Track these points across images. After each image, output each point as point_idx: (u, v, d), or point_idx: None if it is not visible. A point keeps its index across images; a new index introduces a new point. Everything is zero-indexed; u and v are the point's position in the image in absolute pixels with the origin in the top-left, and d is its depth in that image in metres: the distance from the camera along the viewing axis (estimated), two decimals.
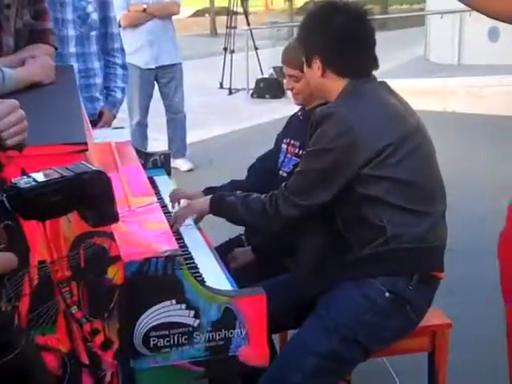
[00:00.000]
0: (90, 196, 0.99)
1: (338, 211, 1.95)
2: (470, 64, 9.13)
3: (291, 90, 2.36)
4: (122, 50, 3.26)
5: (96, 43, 3.07)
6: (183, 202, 2.36)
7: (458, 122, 7.19)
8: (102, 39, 3.12)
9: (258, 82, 9.42)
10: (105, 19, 3.10)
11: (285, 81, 2.42)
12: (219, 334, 1.60)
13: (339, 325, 1.88)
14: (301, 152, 2.29)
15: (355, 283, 1.93)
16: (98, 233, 1.46)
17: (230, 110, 8.70)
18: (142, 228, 1.72)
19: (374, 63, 2.05)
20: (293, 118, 2.51)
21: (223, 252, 2.23)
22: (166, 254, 1.54)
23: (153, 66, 5.51)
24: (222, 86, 9.98)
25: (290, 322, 2.16)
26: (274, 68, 9.43)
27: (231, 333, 1.60)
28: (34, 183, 0.95)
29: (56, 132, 1.53)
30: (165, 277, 1.53)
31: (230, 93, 9.73)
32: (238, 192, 2.14)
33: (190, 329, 1.57)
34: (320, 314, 1.93)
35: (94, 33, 3.05)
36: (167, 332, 1.56)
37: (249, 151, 6.10)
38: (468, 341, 2.74)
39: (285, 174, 2.35)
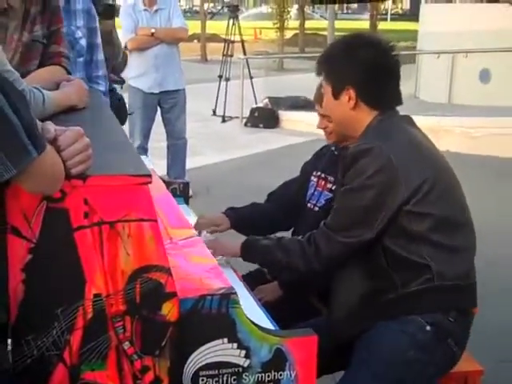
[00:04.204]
0: None
1: (383, 248, 1.91)
2: (460, 104, 9.22)
3: (324, 129, 2.27)
4: (105, 77, 3.22)
5: (82, 69, 3.04)
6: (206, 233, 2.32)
7: (451, 162, 7.23)
8: (86, 66, 3.06)
9: (252, 110, 9.40)
10: (91, 46, 3.04)
11: (318, 120, 2.32)
12: (268, 376, 1.55)
13: (386, 368, 1.85)
14: (334, 187, 2.26)
15: (393, 320, 1.90)
16: (156, 267, 1.42)
17: (224, 138, 8.68)
18: (188, 262, 1.68)
19: (400, 97, 2.05)
20: (324, 151, 2.47)
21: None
22: (221, 291, 1.50)
23: (156, 91, 5.48)
24: (215, 114, 9.95)
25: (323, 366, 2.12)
26: (269, 98, 9.45)
27: (281, 374, 1.56)
28: None
29: (117, 162, 1.49)
30: (218, 315, 1.49)
31: (224, 120, 9.71)
32: (272, 235, 2.10)
33: (240, 369, 1.52)
34: (363, 357, 1.89)
35: (81, 59, 3.00)
36: (217, 372, 1.51)
37: (244, 180, 6.09)
38: None
39: (316, 209, 2.32)
